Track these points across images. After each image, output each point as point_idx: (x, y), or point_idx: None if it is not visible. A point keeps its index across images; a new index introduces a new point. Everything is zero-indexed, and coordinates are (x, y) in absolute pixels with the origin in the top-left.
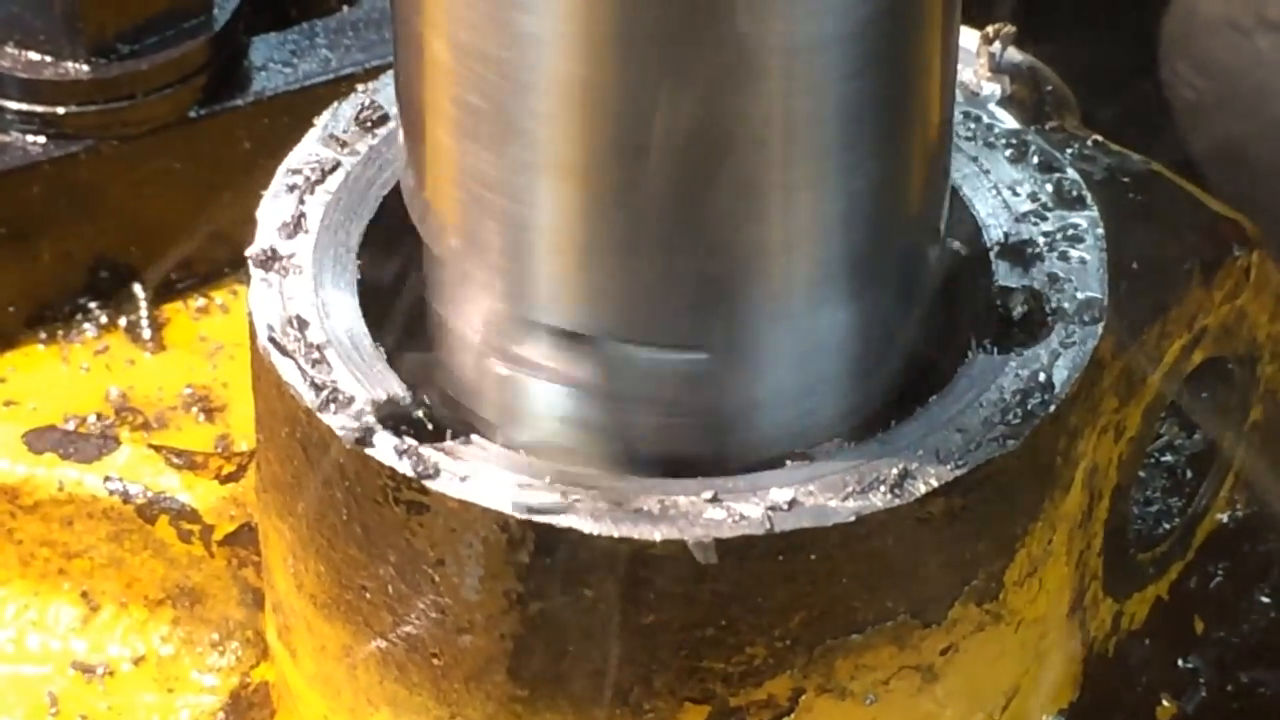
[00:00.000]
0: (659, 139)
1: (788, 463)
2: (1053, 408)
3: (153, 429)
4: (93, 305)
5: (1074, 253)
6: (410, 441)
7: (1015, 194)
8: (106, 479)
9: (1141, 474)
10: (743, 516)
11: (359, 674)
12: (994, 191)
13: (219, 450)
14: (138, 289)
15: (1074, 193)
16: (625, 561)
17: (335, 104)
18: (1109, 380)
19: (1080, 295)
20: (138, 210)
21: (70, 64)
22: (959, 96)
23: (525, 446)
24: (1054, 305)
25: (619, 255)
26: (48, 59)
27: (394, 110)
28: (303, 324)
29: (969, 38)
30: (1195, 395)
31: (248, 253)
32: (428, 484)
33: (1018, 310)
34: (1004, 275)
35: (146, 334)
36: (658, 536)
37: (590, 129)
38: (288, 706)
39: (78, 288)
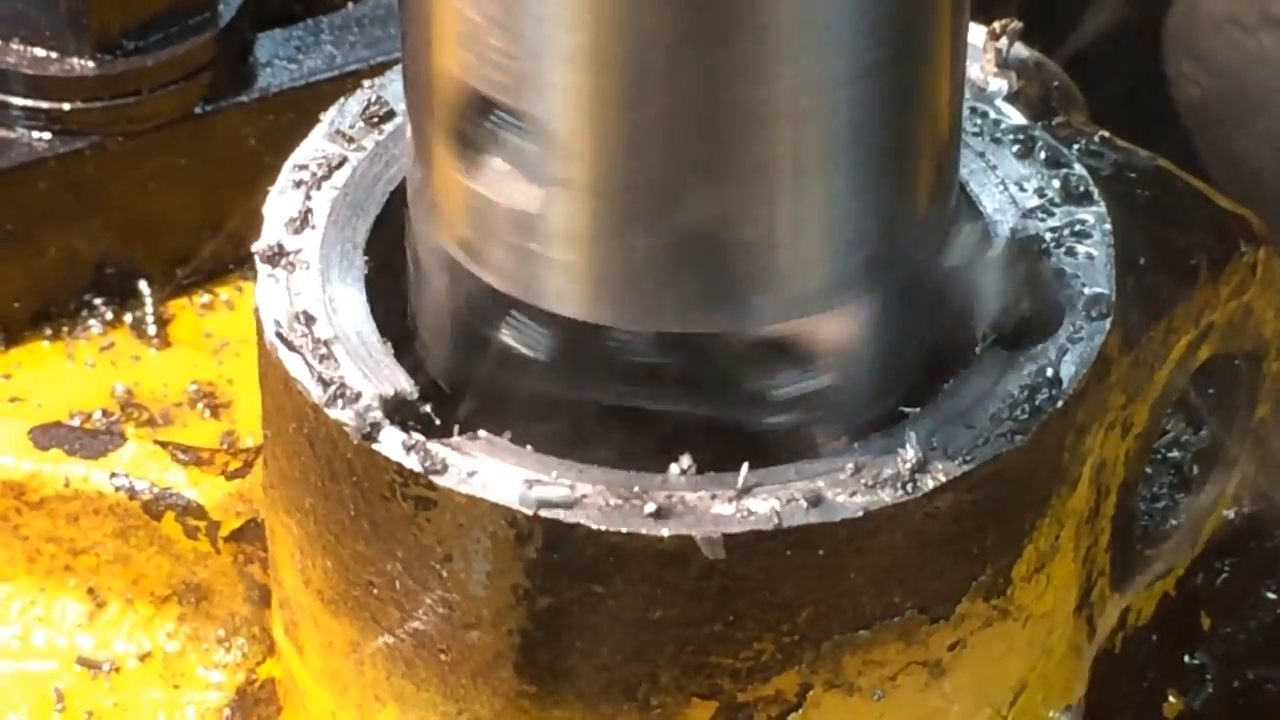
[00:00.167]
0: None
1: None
2: (1060, 404)
3: (158, 425)
4: (98, 301)
5: (1081, 248)
6: (418, 437)
7: (1022, 189)
8: (113, 475)
9: (1148, 470)
10: (751, 512)
11: (366, 670)
12: (1001, 187)
13: (224, 446)
14: (143, 285)
15: (1081, 188)
16: (633, 557)
17: (342, 100)
18: (1116, 376)
19: (1088, 291)
20: (143, 206)
21: (76, 60)
22: (966, 92)
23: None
24: (1061, 301)
25: (625, 245)
26: (53, 55)
27: (400, 106)
28: (310, 319)
29: (976, 34)
30: (1202, 391)
31: (255, 248)
32: (435, 479)
33: (1025, 306)
34: (1011, 271)
35: (152, 330)
36: (666, 532)
37: (599, 120)
38: (294, 702)
39: (83, 284)
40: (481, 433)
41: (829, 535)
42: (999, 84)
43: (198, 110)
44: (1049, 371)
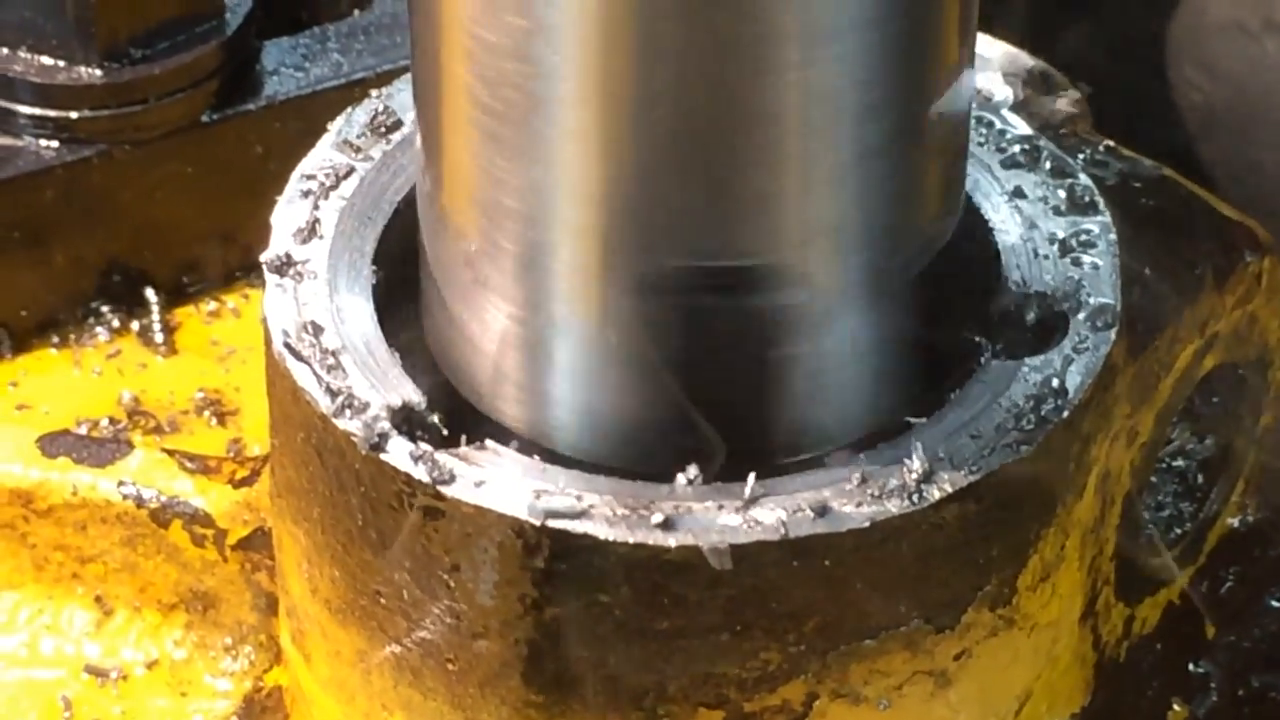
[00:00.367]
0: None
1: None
2: (1066, 414)
3: (165, 433)
4: (105, 309)
5: (1086, 258)
6: (425, 447)
7: (1028, 199)
8: (120, 483)
9: (1153, 479)
10: (757, 522)
11: (373, 679)
12: (1006, 197)
13: (231, 454)
14: (150, 293)
15: (1086, 198)
16: (640, 567)
17: (349, 109)
18: (1122, 386)
19: (1093, 301)
20: (150, 214)
21: (83, 69)
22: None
23: (539, 437)
24: (1067, 311)
25: (637, 261)
26: (60, 64)
27: (408, 116)
28: (318, 329)
29: (983, 44)
30: (1207, 400)
31: (263, 258)
32: (443, 489)
33: (1031, 316)
34: (1017, 281)
35: (159, 338)
36: (673, 542)
37: (609, 131)
38: (301, 711)
39: (90, 292)
40: (489, 443)
41: (835, 545)
42: (1005, 93)
43: (204, 118)
44: (1054, 382)
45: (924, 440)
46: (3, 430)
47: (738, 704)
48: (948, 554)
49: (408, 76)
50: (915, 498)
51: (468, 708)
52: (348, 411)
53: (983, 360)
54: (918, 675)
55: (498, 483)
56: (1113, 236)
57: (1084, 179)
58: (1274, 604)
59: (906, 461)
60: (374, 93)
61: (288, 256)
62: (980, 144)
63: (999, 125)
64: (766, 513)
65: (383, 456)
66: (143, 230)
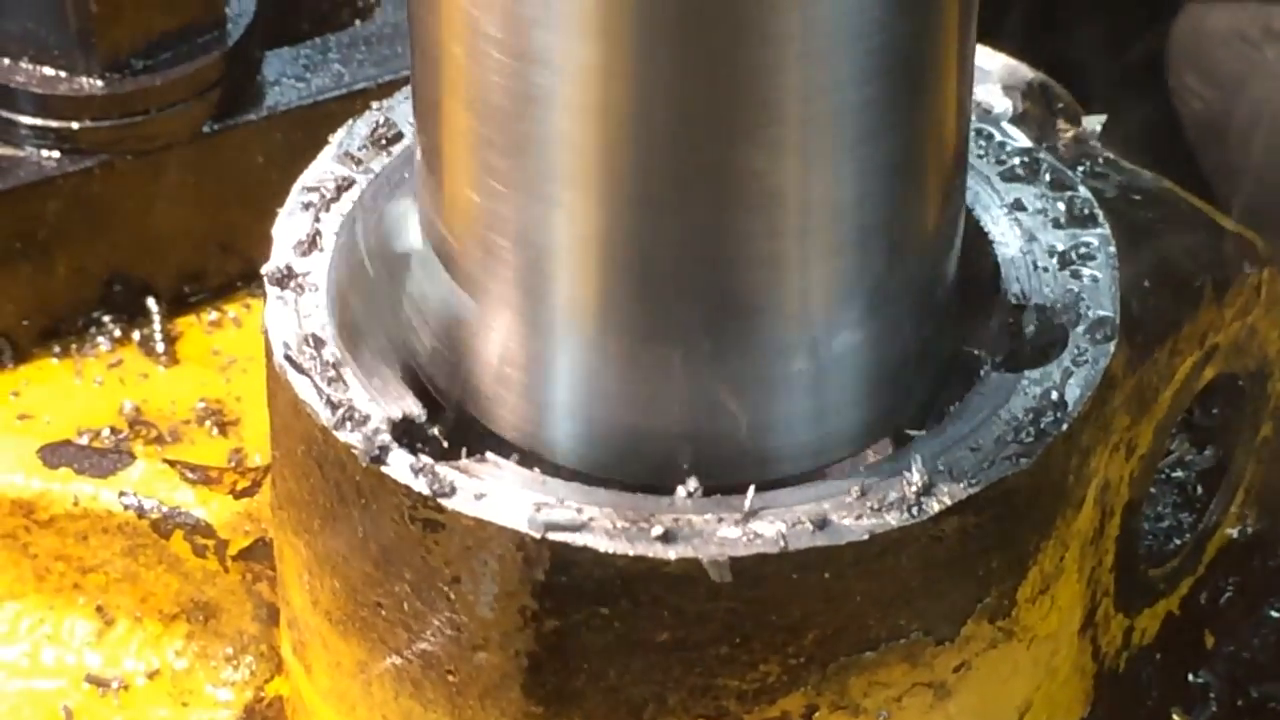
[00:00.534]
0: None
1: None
2: (1065, 426)
3: (166, 443)
4: (106, 319)
5: (1086, 270)
6: (426, 459)
7: (1027, 212)
8: (121, 494)
9: (1152, 490)
10: (757, 535)
11: (374, 690)
12: (1006, 210)
13: (233, 464)
14: (151, 303)
15: (1086, 211)
16: (640, 580)
17: (350, 121)
18: (1121, 398)
19: (1092, 313)
20: (152, 225)
21: (85, 79)
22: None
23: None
24: (1066, 323)
25: (635, 273)
26: (62, 74)
27: (408, 128)
28: (319, 342)
29: (983, 56)
30: (1206, 412)
31: (264, 270)
32: (444, 502)
33: (1030, 328)
34: (1016, 293)
35: (160, 348)
36: (673, 555)
37: (608, 137)
38: None
39: (91, 302)
40: (490, 455)
41: (835, 558)
42: (1004, 105)
43: (206, 129)
44: (1054, 394)
45: (923, 453)
46: (4, 440)
47: (737, 716)
48: (947, 566)
49: (408, 88)
50: (915, 510)
51: (468, 719)
52: (348, 424)
53: (982, 373)
54: (917, 687)
55: (498, 495)
56: (1112, 249)
57: (1083, 191)
58: (1273, 614)
59: (906, 474)
60: (375, 105)
61: (289, 269)
62: (980, 156)
63: (998, 137)
64: (766, 525)
65: (383, 469)
66: (144, 240)
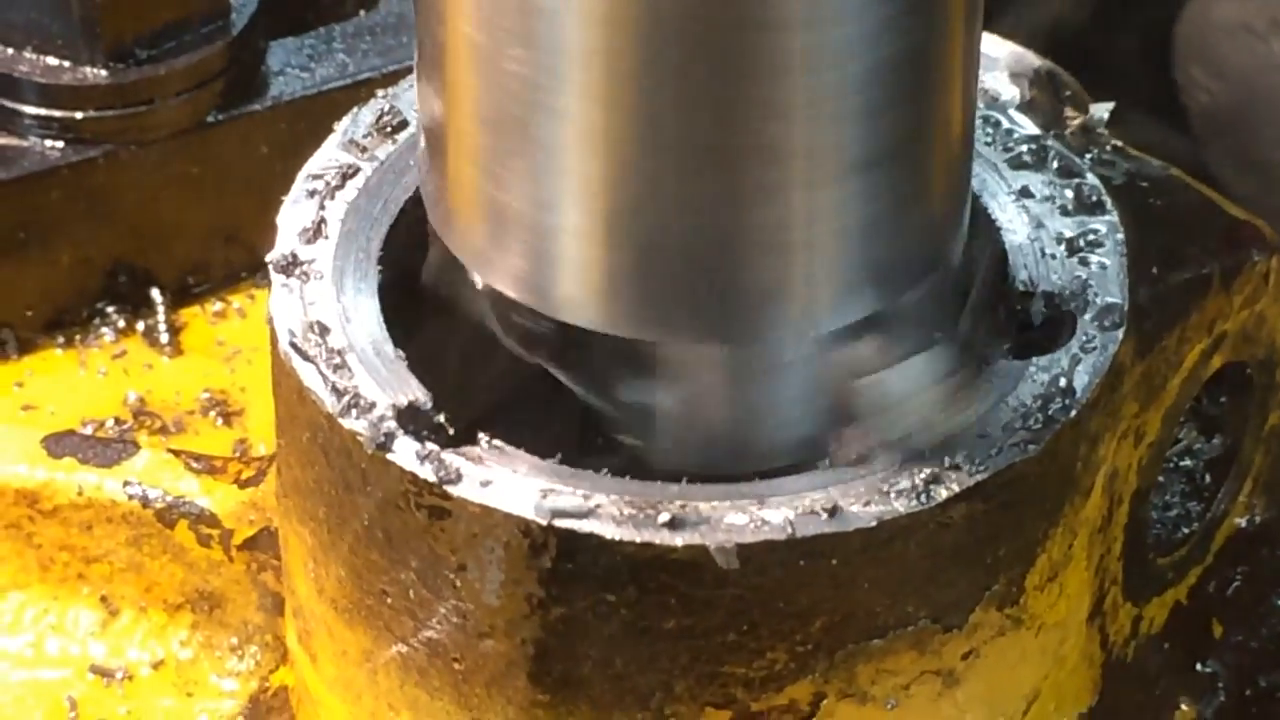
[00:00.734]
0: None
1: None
2: (1074, 413)
3: (171, 433)
4: (111, 309)
5: (1094, 258)
6: (432, 447)
7: (1035, 199)
8: (126, 484)
9: (1160, 478)
10: (764, 522)
11: (380, 679)
12: (1013, 197)
13: (237, 454)
14: (155, 293)
15: (1094, 198)
16: (647, 567)
17: (355, 109)
18: (1129, 385)
19: (1100, 300)
20: (155, 215)
21: (88, 69)
22: (979, 102)
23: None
24: (1074, 310)
25: (641, 258)
26: (66, 64)
27: (413, 115)
28: (324, 329)
29: (990, 43)
30: (1214, 400)
31: (268, 258)
32: (449, 489)
33: (1038, 316)
34: (1024, 281)
35: (164, 338)
36: (680, 542)
37: (612, 127)
38: (307, 711)
39: (96, 292)
40: (496, 442)
41: (843, 545)
42: (1011, 93)
43: (210, 119)
44: (1062, 381)
45: (931, 440)
46: (8, 430)
47: (745, 704)
48: (955, 553)
49: (413, 76)
50: (923, 497)
51: (474, 707)
52: (354, 411)
53: (990, 360)
54: (925, 675)
55: (504, 482)
56: (1120, 236)
57: (1091, 179)
58: None
59: (914, 461)
60: (380, 92)
61: (293, 256)
62: (987, 144)
63: (1006, 125)
64: (774, 512)
65: (389, 456)
66: (148, 231)
